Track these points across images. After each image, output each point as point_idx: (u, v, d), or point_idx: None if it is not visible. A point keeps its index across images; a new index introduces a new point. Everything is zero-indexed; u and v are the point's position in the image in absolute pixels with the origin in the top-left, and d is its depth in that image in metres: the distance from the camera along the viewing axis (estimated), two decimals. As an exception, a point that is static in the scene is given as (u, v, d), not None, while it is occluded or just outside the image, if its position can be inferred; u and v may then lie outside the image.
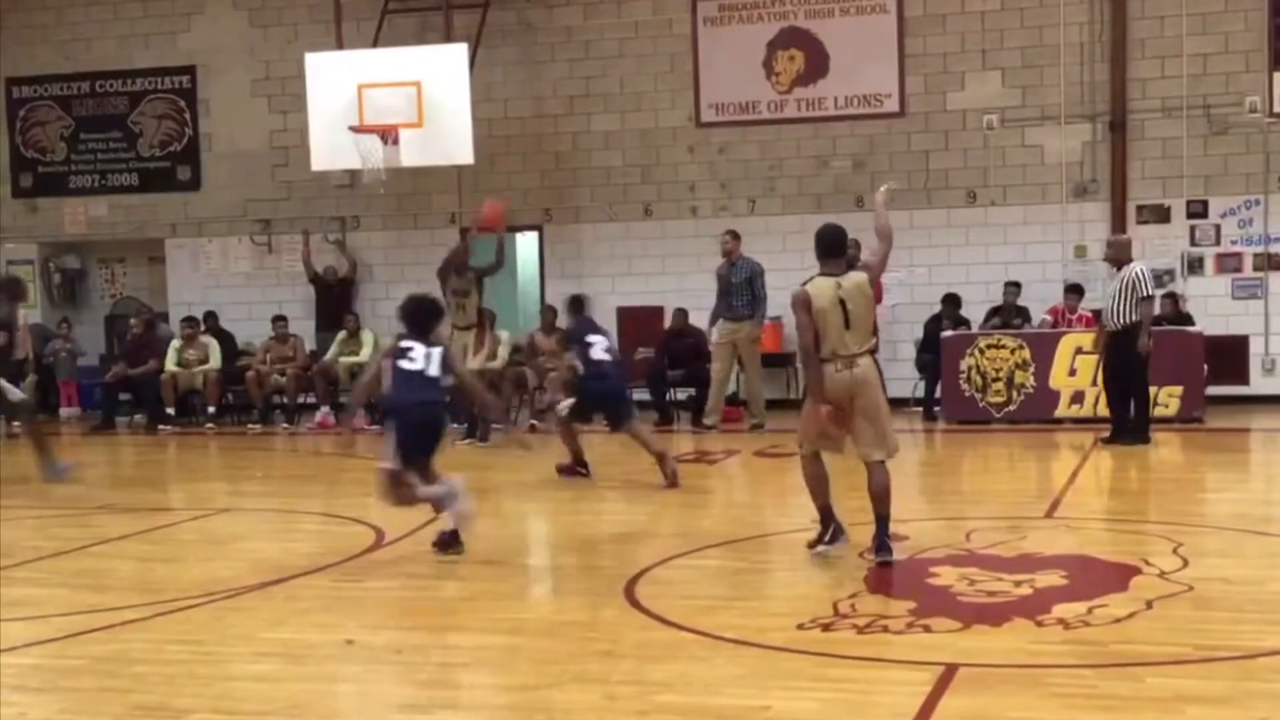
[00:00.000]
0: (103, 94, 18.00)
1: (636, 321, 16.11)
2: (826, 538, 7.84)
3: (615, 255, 16.39)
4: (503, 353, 15.40)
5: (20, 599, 7.46)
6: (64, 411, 17.45)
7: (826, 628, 6.28)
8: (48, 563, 8.40)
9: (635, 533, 9.04)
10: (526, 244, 17.47)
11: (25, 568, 8.27)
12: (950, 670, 5.52)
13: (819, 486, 7.85)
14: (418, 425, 8.20)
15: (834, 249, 7.72)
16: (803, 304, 7.54)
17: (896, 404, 15.29)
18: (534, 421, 14.99)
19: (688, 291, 15.53)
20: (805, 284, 7.63)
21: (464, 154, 14.98)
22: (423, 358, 8.24)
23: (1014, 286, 15.21)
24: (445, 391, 8.48)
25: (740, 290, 14.27)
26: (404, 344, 8.36)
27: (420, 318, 8.51)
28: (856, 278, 7.65)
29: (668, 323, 15.65)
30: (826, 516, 7.86)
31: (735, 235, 14.62)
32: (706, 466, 11.85)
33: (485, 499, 10.59)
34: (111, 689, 5.73)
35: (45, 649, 6.39)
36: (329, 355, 16.04)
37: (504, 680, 5.94)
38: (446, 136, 14.84)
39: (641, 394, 15.48)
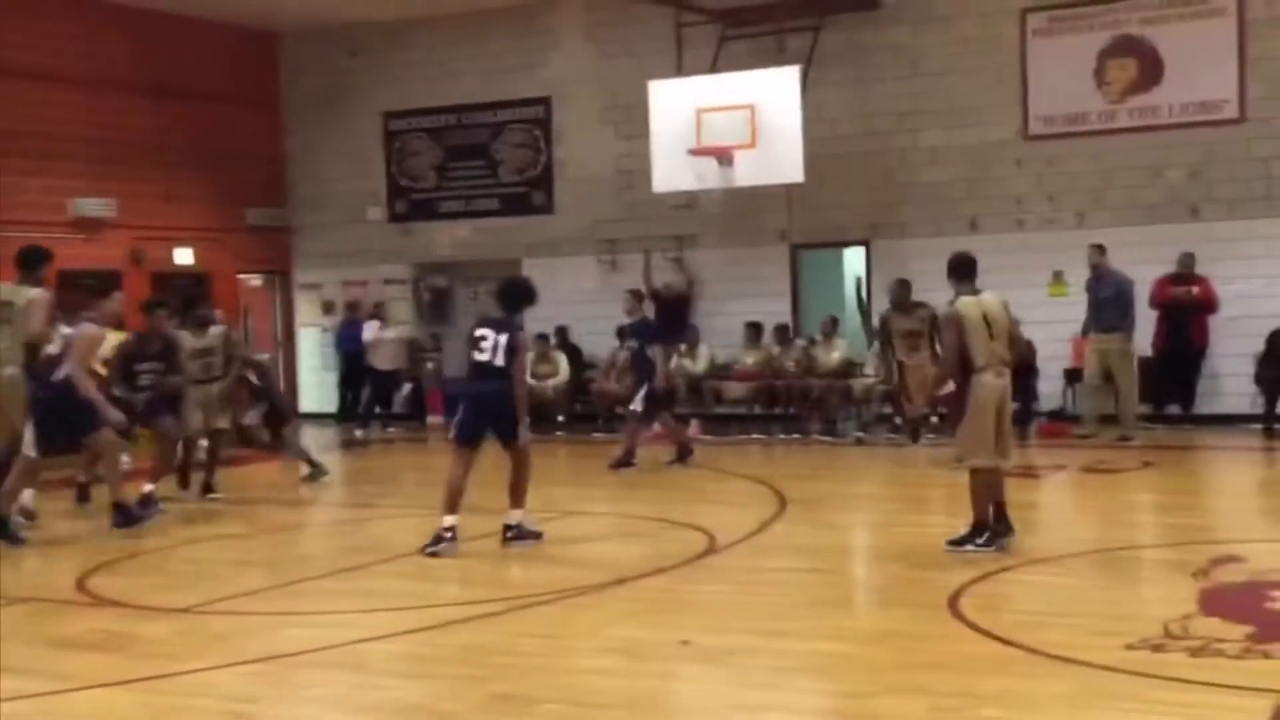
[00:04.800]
0: (468, 125, 18.93)
1: (964, 334, 15.74)
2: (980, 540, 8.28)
3: (941, 270, 16.01)
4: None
5: (391, 591, 7.99)
6: (431, 419, 18.40)
7: (1157, 649, 6.01)
8: (416, 559, 8.87)
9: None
10: (854, 259, 17.37)
11: (396, 562, 8.81)
12: (1290, 699, 5.21)
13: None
14: None
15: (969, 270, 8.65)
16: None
17: (1233, 420, 14.55)
18: (859, 434, 14.89)
19: (1015, 305, 15.03)
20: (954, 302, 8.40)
21: (795, 173, 15.03)
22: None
23: None
24: None
25: (1108, 303, 13.92)
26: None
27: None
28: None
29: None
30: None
31: (1100, 249, 14.26)
32: (1032, 481, 11.48)
33: (812, 508, 10.65)
34: (473, 677, 6.06)
35: (414, 638, 6.81)
36: (670, 367, 16.38)
37: (832, 686, 5.97)
38: (778, 156, 14.93)
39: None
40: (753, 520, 9.87)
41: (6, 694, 5.90)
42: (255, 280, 19.81)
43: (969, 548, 8.23)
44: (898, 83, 16.42)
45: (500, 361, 8.92)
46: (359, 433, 17.42)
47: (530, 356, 16.70)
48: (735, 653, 6.32)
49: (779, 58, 15.58)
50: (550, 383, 16.86)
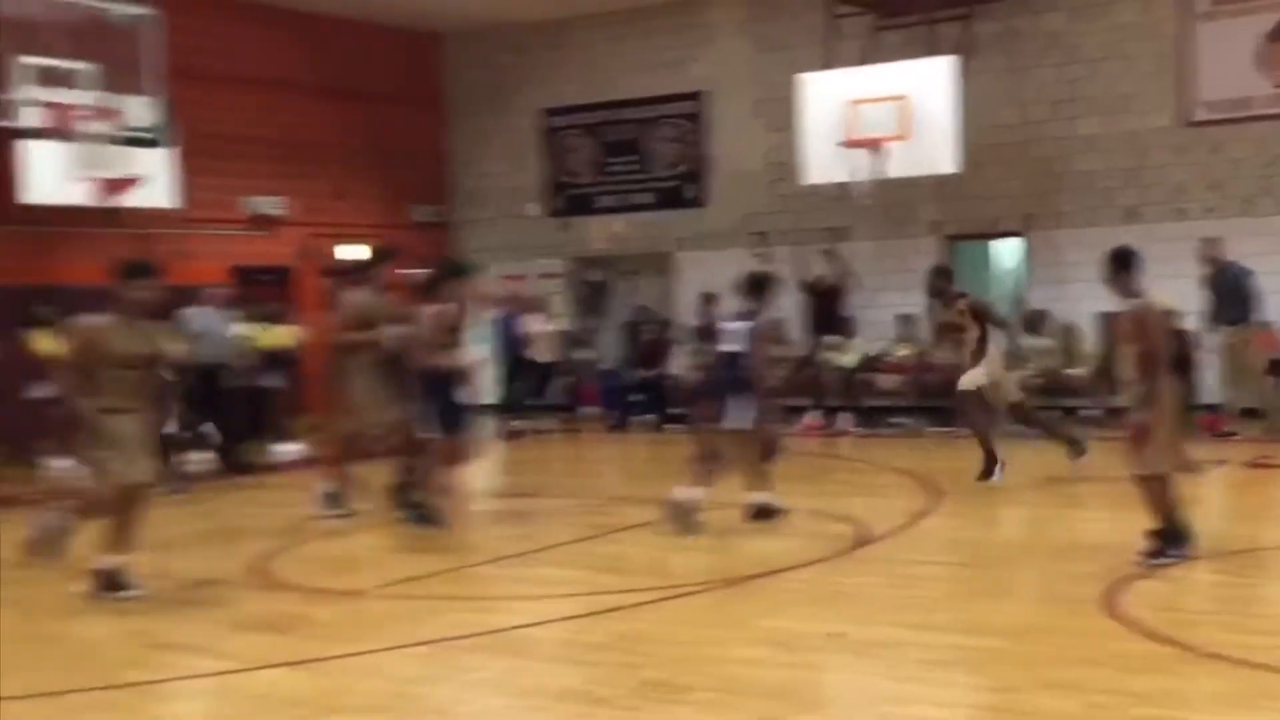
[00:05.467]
0: (623, 121, 19.08)
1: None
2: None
3: (1098, 261, 15.63)
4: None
5: (551, 578, 8.14)
6: (585, 410, 18.59)
7: (1319, 650, 5.83)
8: (575, 547, 9.07)
9: (1117, 541, 8.62)
10: (1009, 251, 17.06)
11: (555, 550, 8.97)
12: None
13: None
14: None
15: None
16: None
17: None
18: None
19: (1175, 297, 14.55)
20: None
21: (948, 163, 14.84)
22: None
23: None
24: None
25: (1228, 296, 13.47)
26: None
27: None
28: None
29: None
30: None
31: (1214, 242, 13.79)
32: (1193, 476, 11.13)
33: (965, 502, 10.51)
34: (627, 664, 6.14)
35: (571, 624, 6.94)
36: (821, 359, 16.32)
37: (982, 681, 5.90)
38: (931, 147, 14.76)
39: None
40: (904, 513, 9.80)
41: (186, 672, 6.20)
42: (419, 276, 20.21)
43: (1167, 557, 7.69)
44: (1054, 70, 16.09)
45: (741, 348, 9.38)
46: (517, 424, 17.69)
47: (689, 348, 16.82)
48: (886, 645, 6.30)
49: (932, 47, 15.38)
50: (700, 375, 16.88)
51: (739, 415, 9.37)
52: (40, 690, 5.91)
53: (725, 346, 9.56)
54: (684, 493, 9.29)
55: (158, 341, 7.90)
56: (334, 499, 10.24)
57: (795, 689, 5.75)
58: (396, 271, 10.53)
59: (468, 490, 10.12)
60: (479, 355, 10.29)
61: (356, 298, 10.38)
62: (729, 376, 9.44)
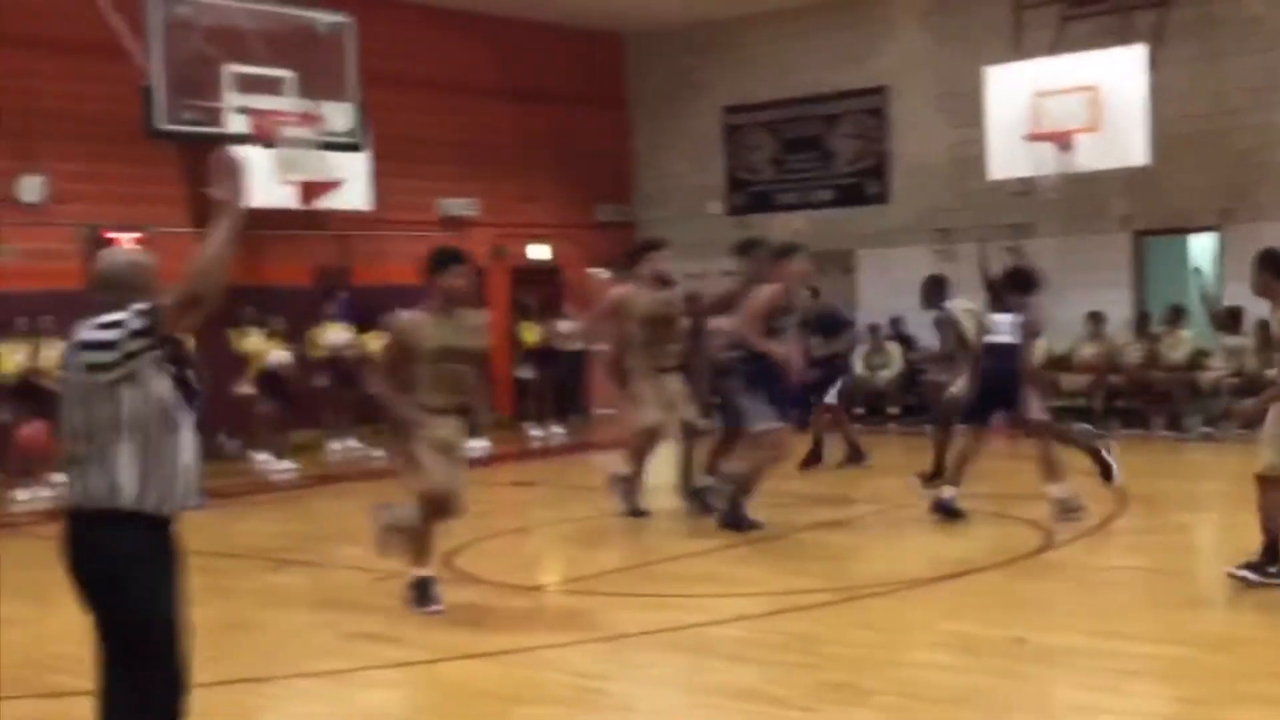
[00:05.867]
0: (804, 117, 18.99)
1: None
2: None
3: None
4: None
5: (731, 577, 8.17)
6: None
7: None
8: (754, 546, 9.03)
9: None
10: (1202, 246, 16.43)
11: (735, 549, 8.96)
12: None
13: None
14: None
15: None
16: None
17: None
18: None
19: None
20: None
21: (1139, 155, 14.40)
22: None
23: None
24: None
25: None
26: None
27: None
28: None
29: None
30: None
31: None
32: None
33: (1154, 506, 10.17)
34: (805, 665, 6.15)
35: (750, 623, 6.95)
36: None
37: (1174, 691, 5.75)
38: (1121, 139, 14.35)
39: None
40: (1091, 516, 9.53)
41: (379, 661, 6.41)
42: (603, 274, 20.49)
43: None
44: (1254, 56, 15.42)
45: (1014, 339, 9.48)
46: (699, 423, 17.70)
47: (865, 349, 16.69)
48: (1071, 653, 6.17)
49: (1122, 36, 14.93)
50: (883, 374, 16.76)
51: (1033, 407, 9.46)
52: (238, 677, 6.18)
53: (995, 338, 9.59)
54: (1059, 490, 9.31)
55: (474, 333, 7.36)
56: (625, 484, 10.07)
57: (978, 696, 5.67)
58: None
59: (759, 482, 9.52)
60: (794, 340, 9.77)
61: (627, 293, 10.17)
62: (1008, 369, 9.47)
